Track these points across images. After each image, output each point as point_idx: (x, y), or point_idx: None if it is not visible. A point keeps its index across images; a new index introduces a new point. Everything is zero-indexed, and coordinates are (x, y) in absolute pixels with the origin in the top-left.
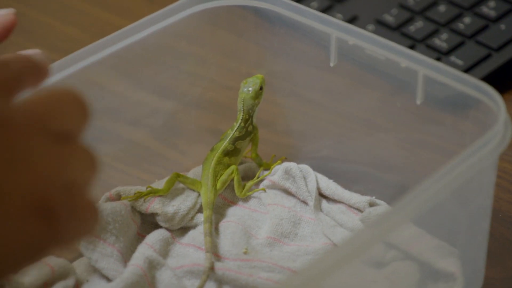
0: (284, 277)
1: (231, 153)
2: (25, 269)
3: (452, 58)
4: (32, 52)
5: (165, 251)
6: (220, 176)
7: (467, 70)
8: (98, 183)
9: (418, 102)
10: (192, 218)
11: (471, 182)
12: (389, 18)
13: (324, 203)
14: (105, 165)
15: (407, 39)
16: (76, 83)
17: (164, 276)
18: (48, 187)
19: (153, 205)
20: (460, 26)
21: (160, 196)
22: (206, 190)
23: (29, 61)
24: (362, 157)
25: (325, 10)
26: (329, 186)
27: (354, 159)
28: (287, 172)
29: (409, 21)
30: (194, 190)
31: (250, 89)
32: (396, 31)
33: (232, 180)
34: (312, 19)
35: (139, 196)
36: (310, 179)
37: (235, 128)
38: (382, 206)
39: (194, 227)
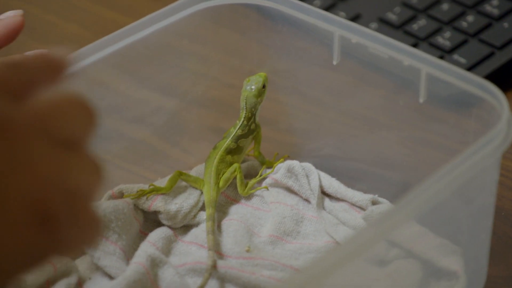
0: (287, 275)
1: (234, 151)
2: (22, 275)
3: (455, 56)
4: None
5: (167, 249)
6: (223, 174)
7: (470, 69)
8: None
9: (421, 100)
10: (195, 216)
11: (474, 180)
12: (392, 17)
13: (327, 201)
14: (108, 163)
15: (410, 38)
16: (78, 81)
17: (166, 274)
18: (50, 193)
19: (156, 203)
20: (463, 24)
21: (162, 194)
22: (209, 188)
23: (43, 59)
24: (365, 155)
25: (328, 8)
26: (332, 184)
27: (356, 157)
28: (289, 170)
29: (412, 19)
30: (196, 188)
31: (253, 87)
32: (399, 29)
33: (235, 178)
34: (315, 17)
35: (142, 194)
36: (313, 177)
37: (238, 126)
38: (385, 204)
39: (196, 225)
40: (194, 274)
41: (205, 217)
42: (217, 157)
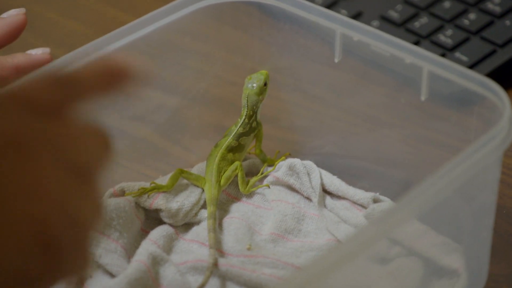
0: (288, 273)
1: (235, 149)
2: None
3: (457, 54)
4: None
5: (168, 247)
6: (224, 172)
7: (471, 66)
8: (102, 179)
9: (423, 98)
10: (196, 214)
11: (475, 178)
12: (393, 14)
13: (328, 199)
14: None
15: (411, 35)
16: None
17: (167, 272)
18: (55, 219)
19: (157, 201)
20: (465, 22)
21: (164, 192)
22: (210, 186)
23: (102, 71)
24: (366, 153)
25: (330, 6)
26: (333, 182)
27: (358, 155)
28: (291, 168)
29: (413, 17)
30: (198, 186)
31: (254, 85)
32: (400, 27)
33: (236, 176)
34: (317, 15)
35: (143, 192)
36: (314, 175)
37: (239, 124)
38: (386, 203)
39: (198, 223)
40: (195, 272)
41: (206, 215)
42: (219, 155)
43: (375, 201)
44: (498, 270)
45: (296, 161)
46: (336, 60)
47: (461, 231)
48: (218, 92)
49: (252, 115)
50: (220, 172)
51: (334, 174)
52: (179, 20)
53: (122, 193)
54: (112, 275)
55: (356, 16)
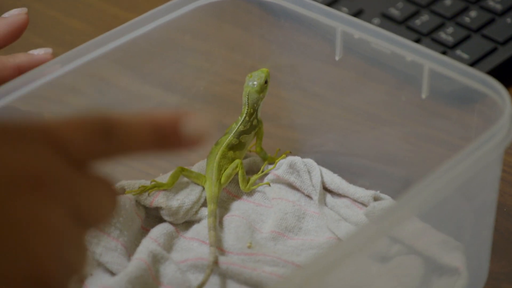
0: (288, 271)
1: (236, 147)
2: None
3: (458, 52)
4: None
5: (169, 245)
6: (225, 170)
7: (472, 64)
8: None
9: (424, 96)
10: (197, 212)
11: (476, 176)
12: (394, 12)
13: (329, 197)
14: None
15: (412, 33)
16: (80, 76)
17: (168, 270)
18: (51, 263)
19: (158, 199)
20: (466, 19)
21: (164, 190)
22: (211, 184)
23: (148, 125)
24: (367, 151)
25: (331, 3)
26: (334, 180)
27: (359, 153)
28: (291, 166)
29: (414, 14)
30: (198, 184)
31: (255, 83)
32: (401, 24)
33: (237, 174)
34: (318, 12)
35: (144, 190)
36: (315, 173)
37: (240, 122)
38: (387, 201)
39: (198, 221)
40: (195, 270)
41: (206, 213)
42: (219, 153)
43: (376, 199)
44: (499, 268)
45: (296, 159)
46: (337, 58)
47: (461, 229)
48: (219, 90)
49: (253, 113)
50: (220, 170)
51: (334, 172)
52: (180, 18)
53: (122, 191)
54: (112, 273)
55: (357, 14)
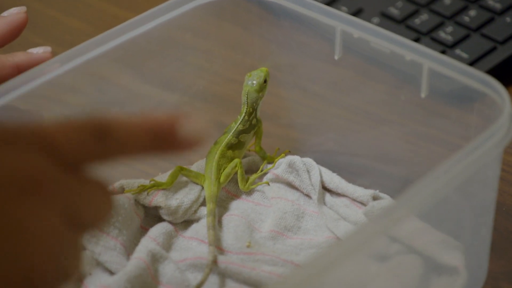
0: (287, 270)
1: (235, 146)
2: None
3: (457, 51)
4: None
5: (168, 244)
6: (224, 169)
7: (472, 63)
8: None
9: (423, 95)
10: (196, 211)
11: (475, 175)
12: (394, 11)
13: (328, 196)
14: None
15: (412, 32)
16: (80, 75)
17: (167, 269)
18: (43, 267)
19: (157, 198)
20: (465, 19)
21: (163, 189)
22: (210, 183)
23: (146, 126)
24: (366, 150)
25: (330, 3)
26: (333, 179)
27: (358, 153)
28: (290, 166)
29: (414, 14)
30: (197, 184)
31: (254, 82)
32: (401, 24)
33: (236, 173)
34: (317, 12)
35: (143, 189)
36: (314, 172)
37: (239, 121)
38: (386, 200)
39: (197, 220)
40: (194, 269)
41: (205, 213)
42: (218, 152)
43: (375, 198)
44: (498, 267)
45: (295, 158)
46: (336, 57)
47: (461, 228)
48: (218, 89)
49: (252, 112)
50: (219, 170)
51: (333, 171)
52: (180, 17)
53: (121, 190)
54: (111, 273)
55: (356, 13)
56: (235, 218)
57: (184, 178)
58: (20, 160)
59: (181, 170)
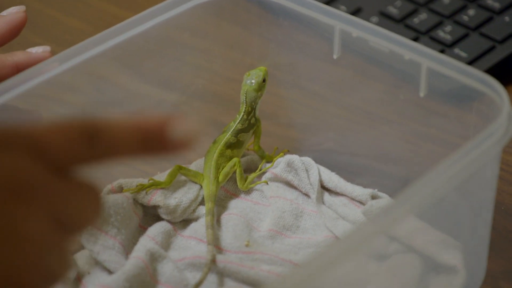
0: (286, 269)
1: (234, 145)
2: None
3: (456, 50)
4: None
5: (167, 244)
6: (222, 168)
7: (471, 63)
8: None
9: (422, 94)
10: (194, 210)
11: (474, 174)
12: (393, 10)
13: (326, 195)
14: None
15: (411, 31)
16: (79, 75)
17: (165, 268)
18: (30, 269)
19: (155, 198)
20: (464, 18)
21: (162, 188)
22: (208, 182)
23: (136, 129)
24: (365, 149)
25: (329, 2)
26: (332, 178)
27: (356, 152)
28: (289, 165)
29: (413, 13)
30: (196, 183)
31: (253, 81)
32: (400, 23)
33: (235, 172)
34: (316, 11)
35: (141, 188)
36: (313, 171)
37: (238, 121)
38: (385, 199)
39: (196, 219)
40: (193, 268)
41: (204, 212)
42: (217, 151)
43: (374, 197)
44: (497, 266)
45: (294, 157)
46: (335, 56)
47: (459, 227)
48: (217, 88)
49: (251, 111)
50: (218, 169)
51: (332, 170)
52: (178, 16)
53: (120, 189)
54: (110, 272)
55: (355, 12)
56: (234, 217)
57: (183, 177)
58: (8, 163)
59: (179, 169)
